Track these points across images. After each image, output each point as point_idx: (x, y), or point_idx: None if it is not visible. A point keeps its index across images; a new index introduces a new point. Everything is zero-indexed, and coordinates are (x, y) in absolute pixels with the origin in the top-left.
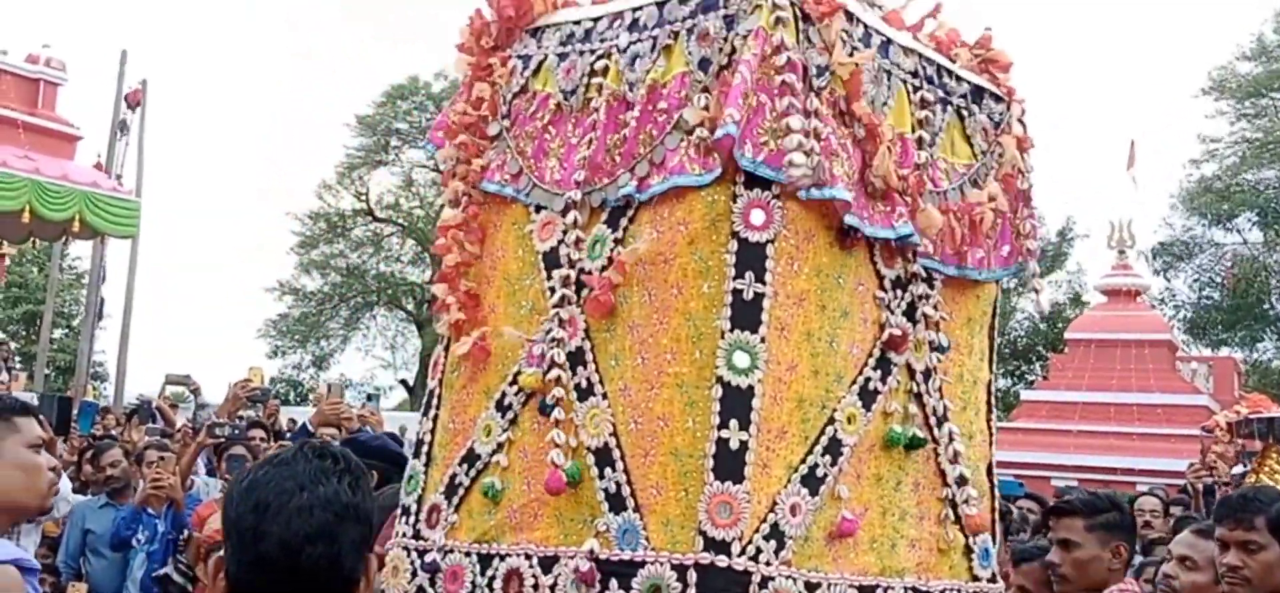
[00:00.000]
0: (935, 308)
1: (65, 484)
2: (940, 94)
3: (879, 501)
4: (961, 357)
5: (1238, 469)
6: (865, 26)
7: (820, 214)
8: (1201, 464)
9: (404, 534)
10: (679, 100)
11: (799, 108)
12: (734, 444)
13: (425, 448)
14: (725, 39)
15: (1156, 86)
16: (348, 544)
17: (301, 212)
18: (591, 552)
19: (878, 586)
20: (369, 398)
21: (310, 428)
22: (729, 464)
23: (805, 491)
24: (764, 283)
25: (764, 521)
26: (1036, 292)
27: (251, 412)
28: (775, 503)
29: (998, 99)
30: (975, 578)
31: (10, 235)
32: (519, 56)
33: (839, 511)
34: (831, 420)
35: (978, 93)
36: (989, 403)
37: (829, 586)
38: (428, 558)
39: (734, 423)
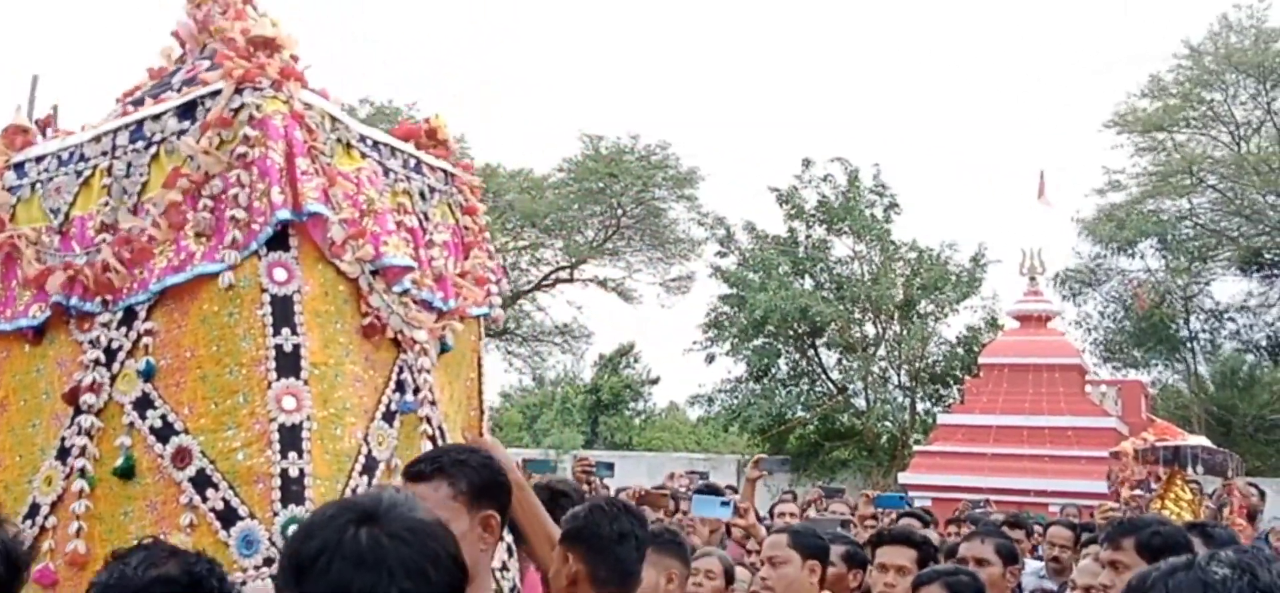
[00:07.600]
0: (147, 337)
1: None
2: (143, 145)
3: (107, 535)
4: (200, 363)
5: (1137, 491)
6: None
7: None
8: (1111, 494)
9: None
10: None
11: None
12: None
13: None
14: None
15: (1065, 117)
16: None
17: None
18: None
19: None
20: None
21: None
22: None
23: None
24: None
25: None
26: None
27: None
28: None
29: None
30: (241, 570)
31: None
32: None
33: (55, 561)
34: (30, 487)
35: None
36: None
37: None
38: None
39: None
